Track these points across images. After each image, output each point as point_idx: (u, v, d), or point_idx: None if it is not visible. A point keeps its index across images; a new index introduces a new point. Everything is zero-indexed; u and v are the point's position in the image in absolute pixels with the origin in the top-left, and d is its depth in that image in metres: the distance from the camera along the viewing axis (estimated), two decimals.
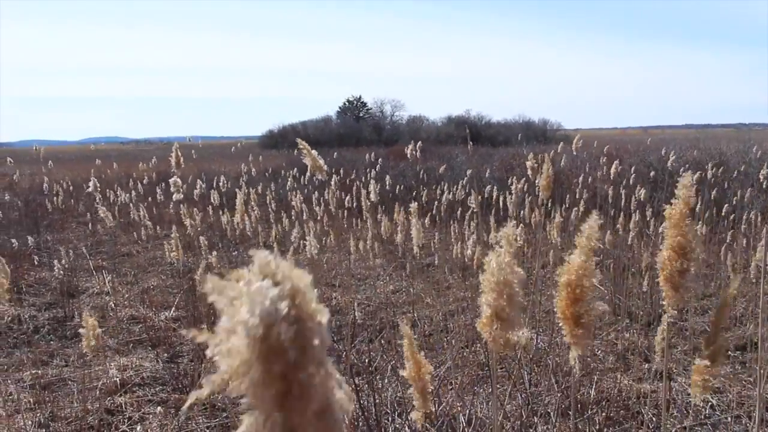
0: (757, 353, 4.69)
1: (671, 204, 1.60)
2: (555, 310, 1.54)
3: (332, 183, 6.93)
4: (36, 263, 8.58)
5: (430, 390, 1.56)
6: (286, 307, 0.46)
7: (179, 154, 4.00)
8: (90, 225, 11.53)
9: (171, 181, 3.46)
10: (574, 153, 6.47)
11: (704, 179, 10.06)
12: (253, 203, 7.29)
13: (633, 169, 10.89)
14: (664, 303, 1.64)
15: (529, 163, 4.17)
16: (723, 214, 8.79)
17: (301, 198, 8.59)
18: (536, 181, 3.66)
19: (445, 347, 5.06)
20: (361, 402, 2.89)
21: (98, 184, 6.13)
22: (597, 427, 3.51)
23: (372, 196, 6.95)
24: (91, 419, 3.99)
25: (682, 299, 1.62)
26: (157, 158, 13.27)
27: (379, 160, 12.43)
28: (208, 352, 0.48)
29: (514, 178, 9.38)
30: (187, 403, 0.56)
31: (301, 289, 0.48)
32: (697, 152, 16.58)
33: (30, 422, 3.91)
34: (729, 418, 3.85)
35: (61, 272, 6.74)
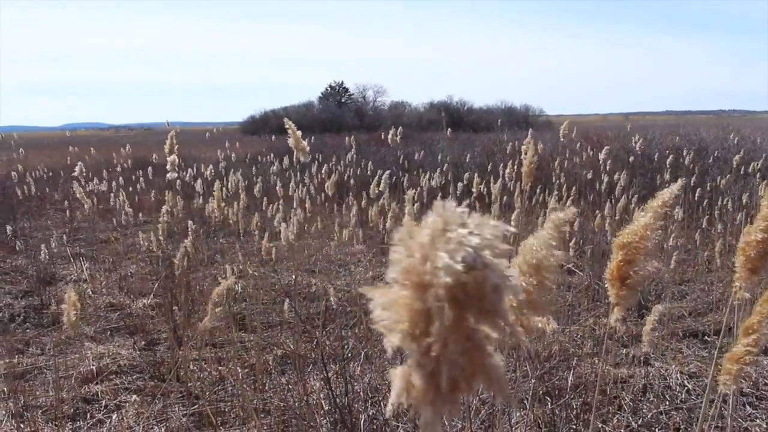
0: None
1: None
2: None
3: (322, 169, 6.88)
4: (15, 250, 8.48)
5: None
6: (488, 254, 0.44)
7: (174, 141, 4.02)
8: (68, 212, 11.39)
9: (169, 159, 3.44)
10: (562, 139, 6.49)
11: (682, 165, 10.14)
12: (240, 190, 7.12)
13: (610, 153, 10.91)
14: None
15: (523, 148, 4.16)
16: (702, 199, 8.86)
17: (292, 185, 8.56)
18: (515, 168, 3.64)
19: None
20: (332, 390, 2.88)
21: (84, 169, 6.05)
22: (574, 413, 3.53)
23: (381, 186, 6.90)
24: (67, 408, 3.94)
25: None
26: (135, 144, 13.09)
27: (354, 145, 12.30)
28: (372, 306, 0.47)
29: (503, 165, 9.39)
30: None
31: (495, 242, 0.45)
32: (677, 138, 16.70)
33: (4, 412, 3.86)
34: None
35: (47, 257, 6.65)
